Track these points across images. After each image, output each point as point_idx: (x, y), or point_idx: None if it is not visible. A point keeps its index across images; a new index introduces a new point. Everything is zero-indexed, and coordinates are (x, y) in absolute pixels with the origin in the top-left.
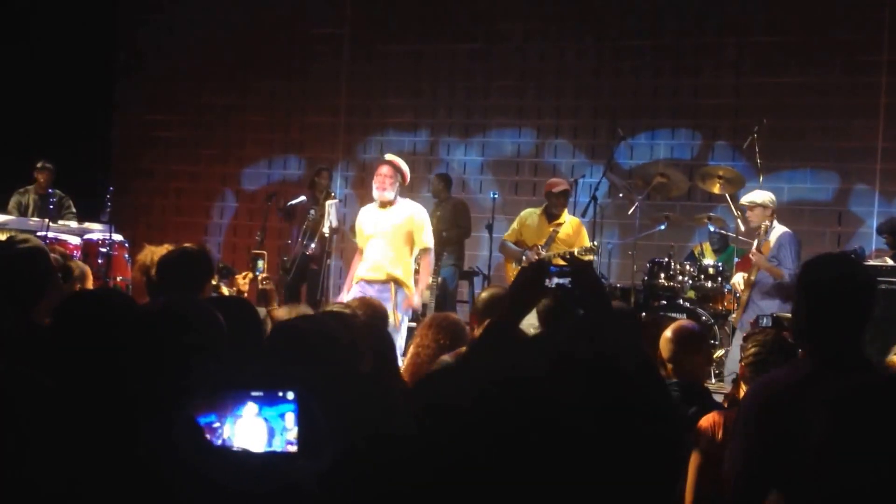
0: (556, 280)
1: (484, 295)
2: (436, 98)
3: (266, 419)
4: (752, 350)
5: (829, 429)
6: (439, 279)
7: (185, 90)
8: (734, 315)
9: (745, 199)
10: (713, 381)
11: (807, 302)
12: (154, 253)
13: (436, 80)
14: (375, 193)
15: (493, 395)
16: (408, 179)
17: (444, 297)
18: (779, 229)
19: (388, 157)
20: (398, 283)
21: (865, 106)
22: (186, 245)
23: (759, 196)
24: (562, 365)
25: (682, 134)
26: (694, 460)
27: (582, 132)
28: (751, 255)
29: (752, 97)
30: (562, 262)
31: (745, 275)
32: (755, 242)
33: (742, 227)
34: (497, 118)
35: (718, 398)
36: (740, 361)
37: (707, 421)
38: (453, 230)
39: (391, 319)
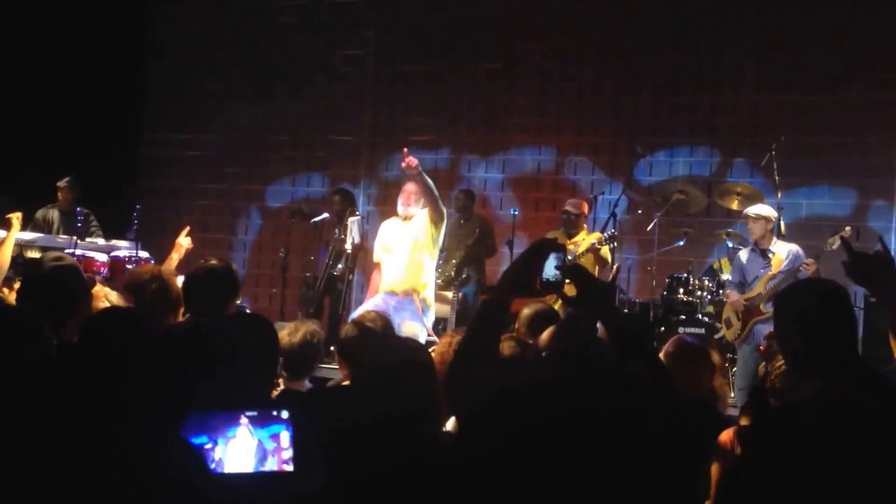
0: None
1: (527, 311)
2: (457, 117)
3: (259, 440)
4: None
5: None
6: (460, 294)
7: (212, 109)
8: (733, 333)
9: (750, 211)
10: (733, 394)
11: (800, 330)
12: (139, 274)
13: (457, 99)
14: (400, 209)
15: (504, 402)
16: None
17: (465, 312)
18: (787, 245)
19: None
20: (418, 296)
21: (883, 122)
22: (213, 262)
23: (763, 209)
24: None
25: (701, 151)
26: (714, 474)
27: (601, 150)
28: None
29: (769, 115)
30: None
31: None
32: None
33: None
34: (517, 136)
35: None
36: (768, 376)
37: (726, 435)
38: (479, 248)
39: (412, 330)
